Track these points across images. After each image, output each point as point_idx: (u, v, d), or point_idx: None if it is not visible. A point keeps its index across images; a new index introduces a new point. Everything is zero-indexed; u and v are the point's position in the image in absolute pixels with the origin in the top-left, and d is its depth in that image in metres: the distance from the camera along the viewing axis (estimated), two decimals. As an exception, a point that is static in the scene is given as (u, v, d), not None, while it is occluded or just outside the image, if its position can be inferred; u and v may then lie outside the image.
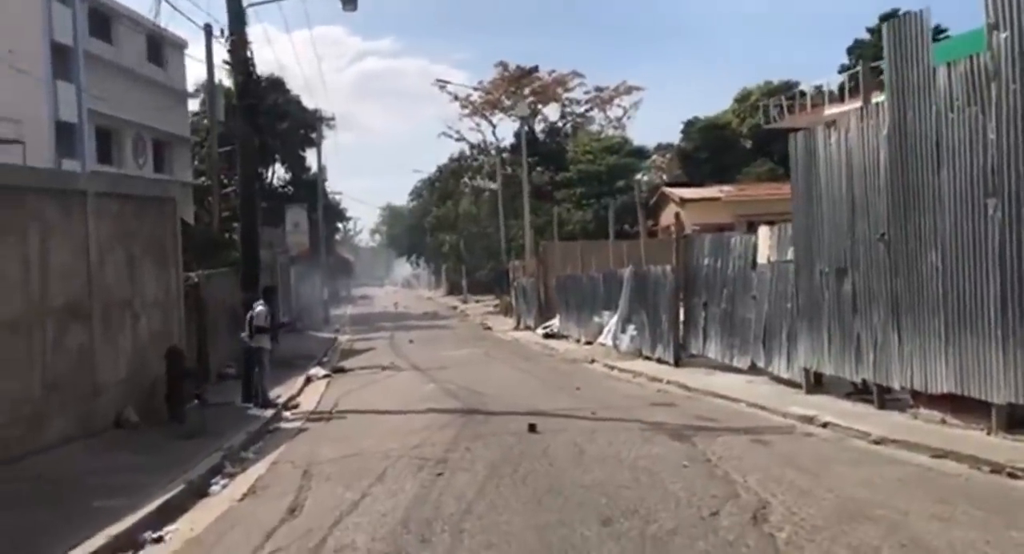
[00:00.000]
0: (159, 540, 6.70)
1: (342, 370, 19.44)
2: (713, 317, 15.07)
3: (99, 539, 6.31)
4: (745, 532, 5.85)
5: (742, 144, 45.54)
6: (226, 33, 15.37)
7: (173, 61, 34.06)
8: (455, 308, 49.88)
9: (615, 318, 20.10)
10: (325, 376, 18.26)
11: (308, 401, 14.71)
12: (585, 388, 14.40)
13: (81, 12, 27.56)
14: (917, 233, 9.18)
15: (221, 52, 18.66)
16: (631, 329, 18.86)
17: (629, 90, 55.98)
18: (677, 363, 16.00)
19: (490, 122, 57.53)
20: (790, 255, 12.18)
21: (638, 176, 47.76)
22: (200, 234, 24.24)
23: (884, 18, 27.45)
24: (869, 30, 39.28)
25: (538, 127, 55.92)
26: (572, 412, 11.48)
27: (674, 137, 52.18)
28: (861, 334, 10.24)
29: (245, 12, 15.32)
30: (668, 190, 39.40)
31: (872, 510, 6.23)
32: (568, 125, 57.42)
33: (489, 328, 33.00)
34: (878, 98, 10.29)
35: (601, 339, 20.92)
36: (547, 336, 25.95)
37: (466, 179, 59.63)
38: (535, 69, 55.78)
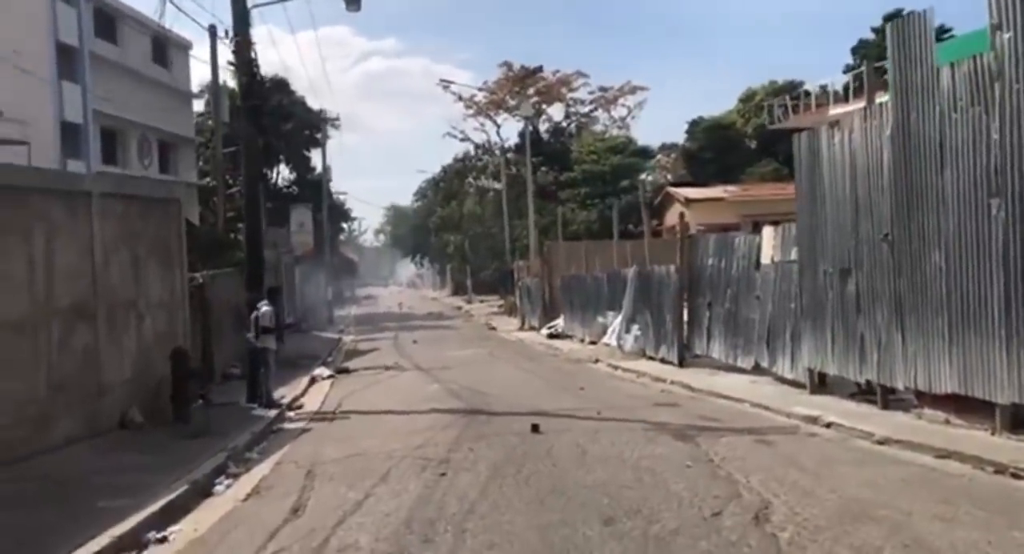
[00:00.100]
0: (163, 540, 6.72)
1: (346, 370, 19.48)
2: (717, 317, 15.06)
3: (104, 539, 6.34)
4: (747, 532, 5.86)
5: (747, 144, 45.53)
6: (230, 34, 15.40)
7: (178, 62, 34.15)
8: (459, 308, 49.92)
9: (619, 318, 20.10)
10: (329, 376, 18.29)
11: (312, 401, 14.74)
12: (589, 388, 14.40)
13: (86, 13, 27.62)
14: (921, 233, 9.17)
15: (226, 53, 18.71)
16: (635, 329, 18.86)
17: (633, 90, 56.06)
18: (681, 363, 16.00)
19: (494, 122, 57.63)
20: (794, 255, 12.17)
21: (642, 176, 47.79)
22: (205, 235, 24.31)
23: (888, 18, 27.37)
24: (873, 30, 39.20)
25: (542, 127, 55.98)
26: (575, 412, 11.49)
27: (678, 137, 52.31)
28: (865, 334, 10.23)
29: (249, 13, 15.33)
30: (672, 190, 39.40)
31: (875, 510, 6.22)
32: (572, 125, 57.47)
33: (493, 328, 33.02)
34: (882, 98, 10.28)
35: (605, 339, 20.93)
36: (551, 336, 25.94)
37: (470, 179, 59.68)
38: (539, 69, 55.85)
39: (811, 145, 11.44)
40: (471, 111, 57.15)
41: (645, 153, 52.19)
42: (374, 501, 7.27)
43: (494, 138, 58.14)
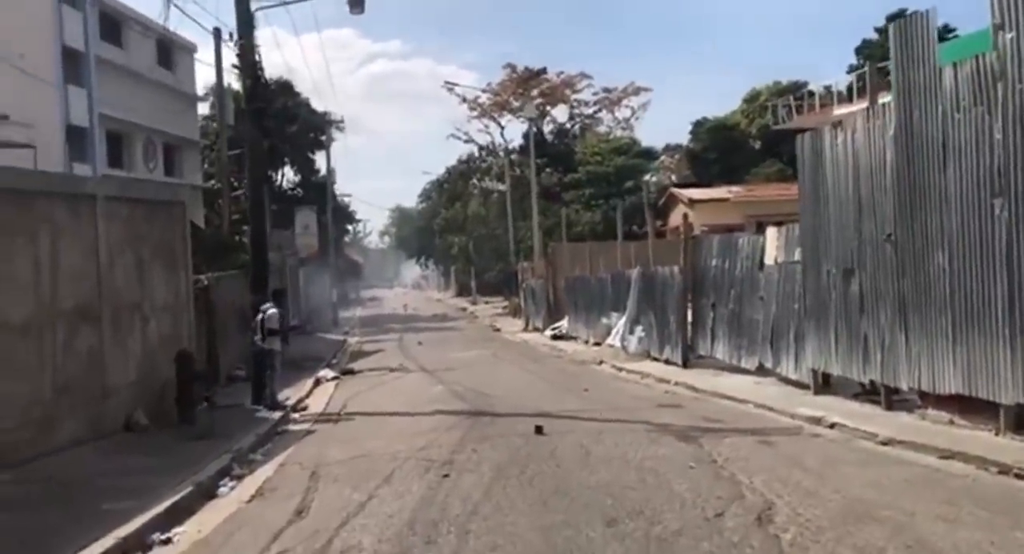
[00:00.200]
0: (167, 541, 6.75)
1: (351, 372, 19.53)
2: (721, 318, 15.05)
3: (108, 540, 6.37)
4: (750, 533, 5.85)
5: (751, 145, 45.46)
6: (235, 37, 15.44)
7: (183, 65, 34.29)
8: (464, 310, 49.98)
9: (623, 319, 20.09)
10: (334, 378, 18.34)
11: (317, 403, 14.78)
12: (593, 390, 14.40)
13: (92, 17, 27.76)
14: (924, 233, 9.16)
15: (230, 56, 18.70)
16: (639, 330, 18.86)
17: (637, 91, 56.06)
18: (685, 364, 16.00)
19: (498, 124, 57.73)
20: (797, 256, 12.16)
21: (646, 177, 47.71)
22: (210, 237, 24.38)
23: (891, 18, 27.33)
24: (877, 30, 39.18)
25: (546, 128, 56.03)
26: (579, 414, 11.50)
27: (683, 138, 52.20)
28: (868, 335, 10.22)
29: (254, 16, 15.36)
30: (677, 191, 39.33)
31: (878, 511, 6.22)
32: (576, 126, 57.49)
33: (498, 330, 33.04)
34: (885, 98, 10.28)
35: (609, 340, 20.92)
36: (555, 337, 25.95)
37: (475, 181, 59.75)
38: (543, 70, 55.93)
39: (814, 145, 11.43)
40: (475, 113, 57.36)
41: (649, 154, 52.16)
42: (378, 502, 7.28)
43: (498, 140, 58.36)
